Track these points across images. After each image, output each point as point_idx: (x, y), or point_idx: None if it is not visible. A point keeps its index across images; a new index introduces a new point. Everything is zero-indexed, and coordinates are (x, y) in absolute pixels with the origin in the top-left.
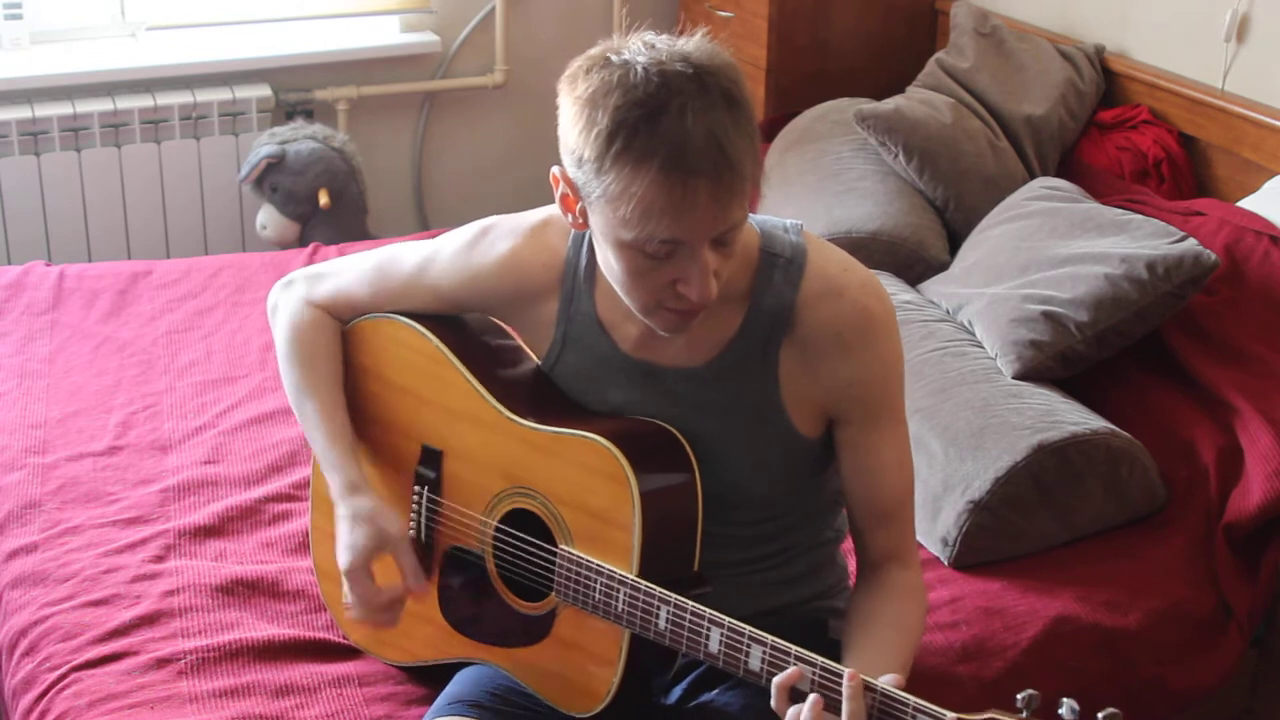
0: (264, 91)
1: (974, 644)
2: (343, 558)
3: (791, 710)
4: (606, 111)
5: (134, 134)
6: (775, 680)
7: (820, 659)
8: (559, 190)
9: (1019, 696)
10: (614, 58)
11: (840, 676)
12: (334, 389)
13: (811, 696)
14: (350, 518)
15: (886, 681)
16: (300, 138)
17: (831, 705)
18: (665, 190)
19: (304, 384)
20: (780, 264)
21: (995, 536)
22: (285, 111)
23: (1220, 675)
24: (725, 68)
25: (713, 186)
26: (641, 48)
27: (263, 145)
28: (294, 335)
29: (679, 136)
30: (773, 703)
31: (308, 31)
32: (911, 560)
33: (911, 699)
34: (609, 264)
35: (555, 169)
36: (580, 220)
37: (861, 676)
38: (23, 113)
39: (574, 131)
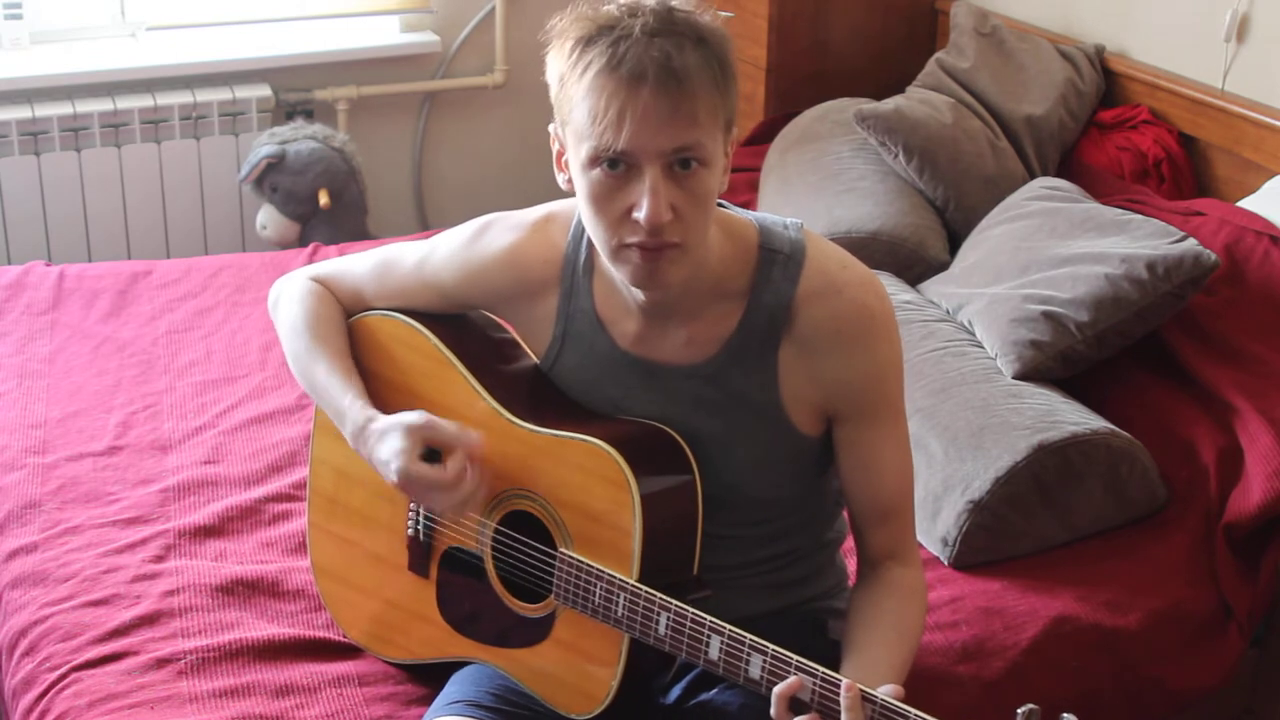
0: (264, 91)
1: (974, 644)
2: (390, 472)
3: None
4: (572, 33)
5: (134, 134)
6: (776, 690)
7: (821, 669)
8: (554, 148)
9: (1019, 711)
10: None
11: (840, 687)
12: (343, 349)
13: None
14: (375, 441)
15: (885, 692)
16: (300, 138)
17: (831, 715)
18: (609, 91)
19: (313, 346)
20: (779, 260)
21: (995, 536)
22: (285, 111)
23: (1220, 675)
24: (706, 21)
25: (655, 94)
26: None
27: (263, 145)
28: (301, 306)
29: (628, 45)
30: (772, 712)
31: (308, 31)
32: (911, 559)
33: (913, 711)
34: (581, 200)
35: (551, 125)
36: (568, 174)
37: (860, 687)
38: (23, 113)
39: (550, 63)
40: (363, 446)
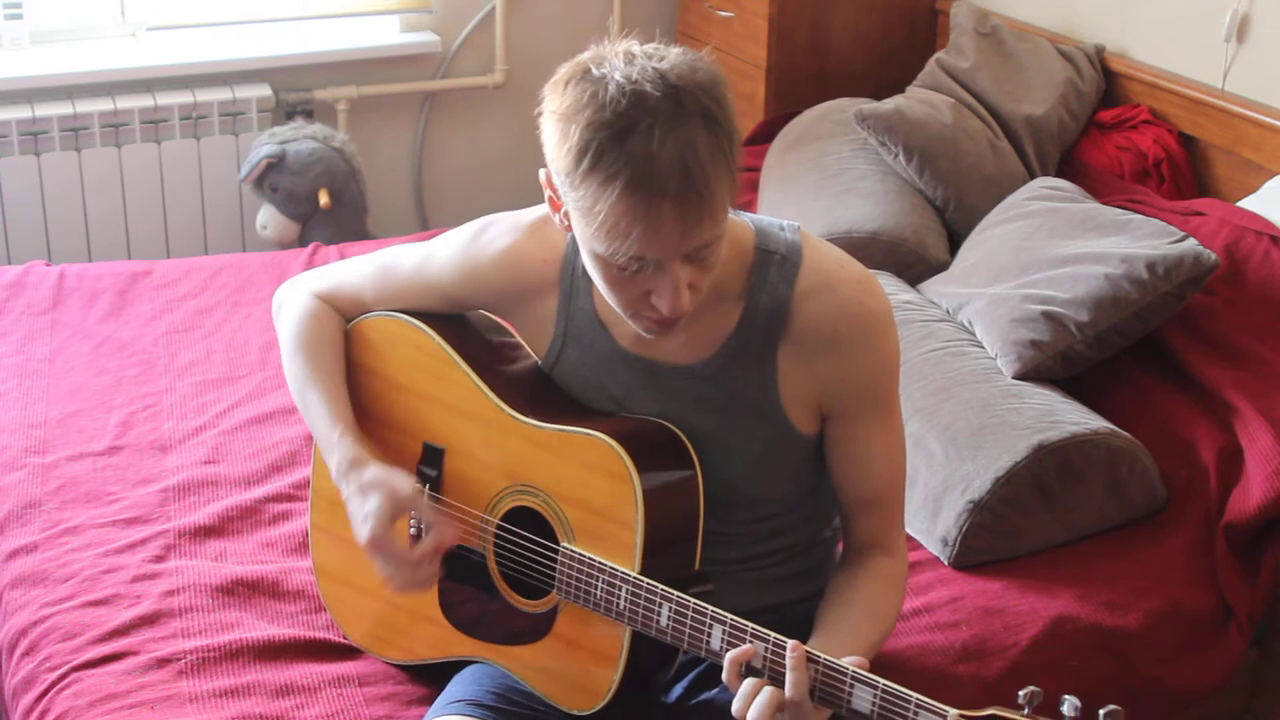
0: (264, 91)
1: (974, 644)
2: (362, 530)
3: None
4: (578, 128)
5: (134, 134)
6: (728, 655)
7: (773, 635)
8: (546, 192)
9: (1021, 693)
10: (594, 70)
11: (842, 672)
12: (337, 377)
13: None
14: (359, 491)
15: (849, 663)
16: (300, 138)
17: (779, 679)
18: (630, 211)
19: (308, 372)
20: (775, 260)
21: (995, 536)
22: (285, 111)
23: (1220, 675)
24: (706, 83)
25: (678, 208)
26: (620, 62)
27: (263, 145)
28: (299, 327)
29: (644, 158)
30: (724, 676)
31: (308, 31)
32: (896, 549)
33: (850, 668)
34: (590, 270)
35: (543, 171)
36: (566, 222)
37: (805, 648)
38: (23, 113)
39: (551, 144)
40: (345, 485)
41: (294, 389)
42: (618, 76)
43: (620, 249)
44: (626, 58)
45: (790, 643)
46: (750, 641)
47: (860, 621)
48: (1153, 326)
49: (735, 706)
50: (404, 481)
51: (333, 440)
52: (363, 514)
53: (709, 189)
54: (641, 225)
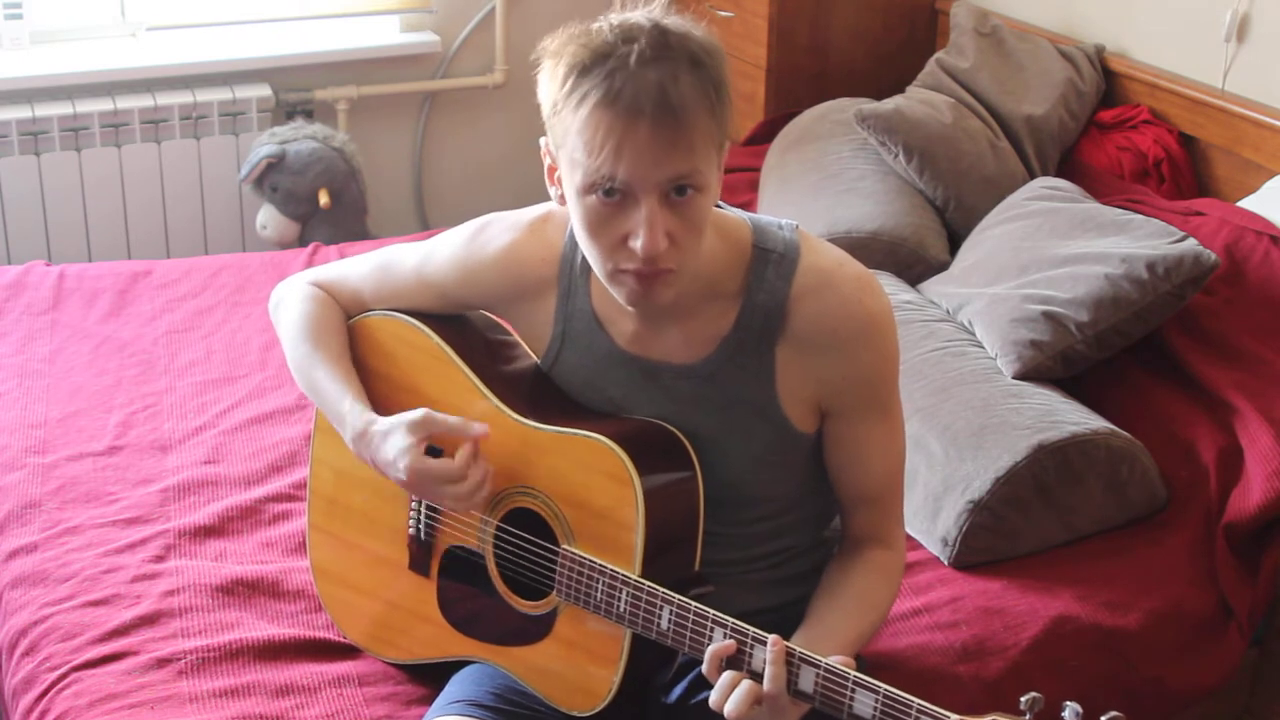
0: (264, 91)
1: (974, 644)
2: (399, 469)
3: (725, 675)
4: (565, 59)
5: (134, 134)
6: (709, 649)
7: (752, 630)
8: (546, 163)
9: (1022, 700)
10: (591, 23)
11: (843, 677)
12: (346, 359)
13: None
14: (379, 443)
15: (836, 662)
16: (300, 138)
17: (757, 675)
18: (606, 124)
19: (316, 354)
20: (773, 259)
21: (995, 536)
22: (285, 111)
23: (1220, 675)
24: (698, 38)
25: (653, 127)
26: (618, 15)
27: (263, 145)
28: (304, 313)
29: (624, 76)
30: (704, 669)
31: (308, 31)
32: (894, 543)
33: (823, 661)
34: (575, 223)
35: (542, 140)
36: (562, 192)
37: (785, 643)
38: (23, 113)
39: (542, 85)
40: (365, 450)
41: (300, 372)
42: (612, 19)
43: (599, 167)
44: (624, 12)
45: (771, 637)
46: (751, 645)
47: (850, 611)
48: (1153, 326)
49: (713, 699)
50: (413, 412)
51: (343, 411)
52: (393, 454)
53: (686, 116)
54: (615, 138)
